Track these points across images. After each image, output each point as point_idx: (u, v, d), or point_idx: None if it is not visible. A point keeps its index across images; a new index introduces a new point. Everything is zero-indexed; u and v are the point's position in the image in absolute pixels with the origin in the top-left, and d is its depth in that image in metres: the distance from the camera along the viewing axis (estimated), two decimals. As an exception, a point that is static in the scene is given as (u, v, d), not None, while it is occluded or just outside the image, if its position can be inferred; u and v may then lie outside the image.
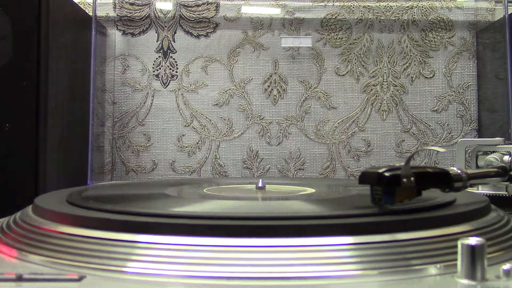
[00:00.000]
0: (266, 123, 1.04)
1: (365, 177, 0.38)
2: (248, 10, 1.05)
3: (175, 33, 1.05)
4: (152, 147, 1.04)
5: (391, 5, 1.05)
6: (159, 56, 1.05)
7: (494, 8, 1.05)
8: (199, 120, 1.04)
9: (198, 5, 1.05)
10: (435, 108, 1.04)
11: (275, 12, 1.05)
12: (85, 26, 0.96)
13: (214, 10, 1.04)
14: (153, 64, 1.05)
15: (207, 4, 1.05)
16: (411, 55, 1.05)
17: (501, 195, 0.59)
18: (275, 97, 1.05)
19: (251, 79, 1.05)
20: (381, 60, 1.05)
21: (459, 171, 0.41)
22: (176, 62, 1.05)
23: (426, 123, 1.04)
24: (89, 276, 0.31)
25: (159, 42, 1.05)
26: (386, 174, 0.37)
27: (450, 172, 0.41)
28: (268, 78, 1.05)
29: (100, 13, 1.04)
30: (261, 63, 1.05)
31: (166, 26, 1.05)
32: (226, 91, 1.05)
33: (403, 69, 1.05)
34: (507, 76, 0.92)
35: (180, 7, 1.05)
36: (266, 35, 1.05)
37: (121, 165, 1.04)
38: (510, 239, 0.37)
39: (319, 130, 1.04)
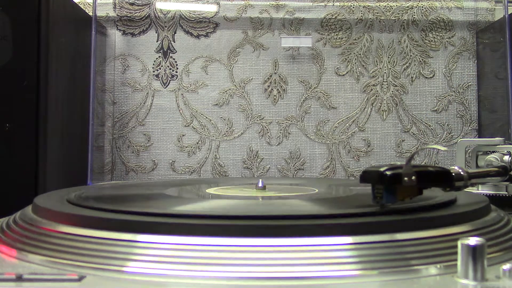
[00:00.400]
0: (266, 123, 1.04)
1: (367, 176, 0.38)
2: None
3: (175, 33, 1.05)
4: (152, 147, 1.04)
5: (391, 5, 1.05)
6: (159, 56, 1.05)
7: (494, 8, 1.05)
8: (199, 120, 1.04)
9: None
10: (435, 108, 1.04)
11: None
12: (85, 26, 0.96)
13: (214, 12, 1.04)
14: (153, 64, 1.05)
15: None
16: (411, 55, 1.05)
17: (501, 195, 0.59)
18: (275, 97, 1.05)
19: (251, 79, 1.05)
20: (381, 60, 1.05)
21: (460, 170, 0.41)
22: (176, 62, 1.05)
23: (426, 123, 1.04)
24: (89, 276, 0.31)
25: (159, 42, 1.05)
26: (388, 172, 0.37)
27: (451, 171, 0.41)
28: (268, 78, 1.05)
29: (100, 13, 1.04)
30: (261, 63, 1.05)
31: (166, 26, 1.05)
32: (226, 91, 1.05)
33: (403, 69, 1.05)
34: (507, 76, 0.92)
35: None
36: (266, 35, 1.05)
37: (121, 165, 1.04)
38: (510, 239, 0.37)
39: (319, 130, 1.04)
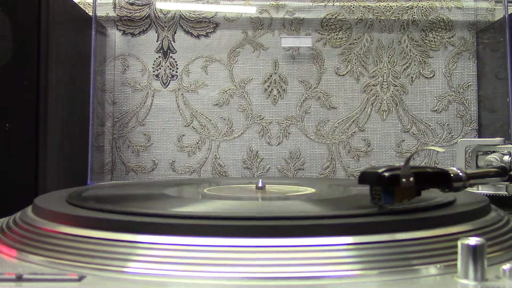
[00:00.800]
0: (266, 123, 1.04)
1: (365, 177, 0.38)
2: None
3: (175, 33, 1.05)
4: (152, 147, 1.04)
5: (391, 5, 1.05)
6: (159, 56, 1.05)
7: (494, 8, 1.05)
8: (199, 120, 1.04)
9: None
10: (435, 108, 1.04)
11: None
12: (85, 26, 0.96)
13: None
14: (153, 64, 1.05)
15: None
16: (411, 55, 1.05)
17: (501, 195, 0.59)
18: (275, 97, 1.05)
19: (251, 79, 1.05)
20: (381, 60, 1.05)
21: (458, 171, 0.41)
22: (176, 62, 1.05)
23: (426, 123, 1.04)
24: (89, 276, 0.31)
25: (159, 42, 1.05)
26: (386, 174, 0.37)
27: (450, 172, 0.41)
28: (268, 78, 1.05)
29: (100, 13, 1.04)
30: (261, 63, 1.05)
31: (166, 26, 1.05)
32: (226, 91, 1.05)
33: (403, 69, 1.05)
34: (507, 76, 0.92)
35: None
36: (266, 35, 1.05)
37: (121, 165, 1.04)
38: (510, 239, 0.37)
39: (319, 130, 1.04)
